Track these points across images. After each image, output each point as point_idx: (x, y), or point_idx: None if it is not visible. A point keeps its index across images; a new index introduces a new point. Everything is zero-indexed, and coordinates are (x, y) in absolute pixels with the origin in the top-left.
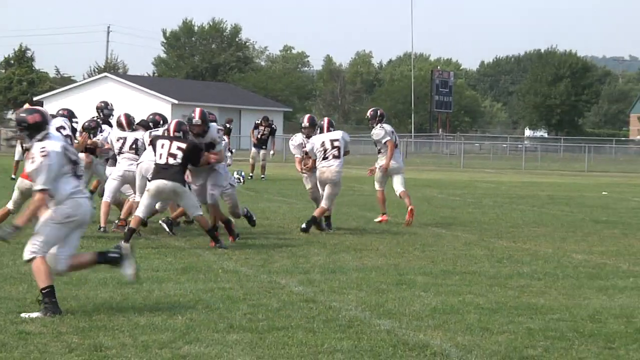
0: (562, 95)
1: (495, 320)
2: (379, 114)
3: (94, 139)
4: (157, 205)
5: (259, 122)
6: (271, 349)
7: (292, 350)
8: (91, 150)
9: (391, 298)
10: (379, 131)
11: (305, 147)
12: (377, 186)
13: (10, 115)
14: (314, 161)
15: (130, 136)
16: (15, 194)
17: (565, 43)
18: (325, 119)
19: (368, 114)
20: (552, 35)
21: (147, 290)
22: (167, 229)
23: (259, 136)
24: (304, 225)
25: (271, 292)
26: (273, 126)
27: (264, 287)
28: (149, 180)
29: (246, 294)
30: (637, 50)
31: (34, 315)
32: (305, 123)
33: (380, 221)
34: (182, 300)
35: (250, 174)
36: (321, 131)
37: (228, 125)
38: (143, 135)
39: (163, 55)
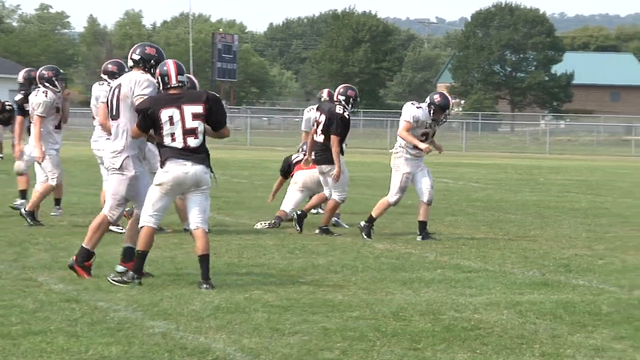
0: (361, 62)
1: (286, 320)
2: None
3: None
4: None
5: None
6: (27, 357)
7: (52, 358)
8: None
9: (167, 296)
10: None
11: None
12: None
13: None
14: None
15: None
16: None
17: (364, 3)
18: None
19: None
20: None
21: None
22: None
23: None
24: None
25: (26, 291)
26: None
27: (18, 286)
28: None
29: None
30: (444, 12)
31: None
32: (326, 97)
33: None
34: None
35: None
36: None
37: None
38: None
39: None
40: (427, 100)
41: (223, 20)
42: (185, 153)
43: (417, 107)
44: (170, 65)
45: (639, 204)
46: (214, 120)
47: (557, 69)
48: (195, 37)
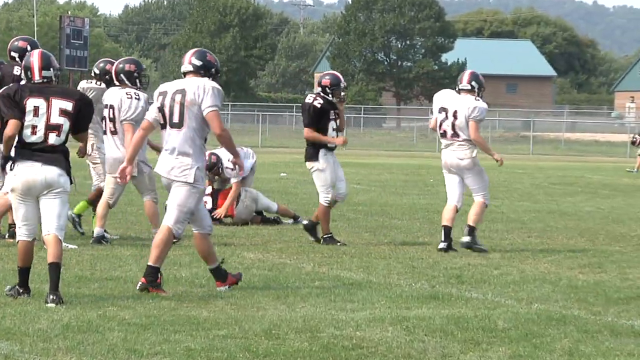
0: (228, 49)
1: (145, 340)
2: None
3: None
4: None
5: None
6: None
7: None
8: None
9: (10, 313)
10: None
11: None
12: None
13: None
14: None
15: None
16: None
17: None
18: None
19: None
20: None
21: None
22: None
23: None
24: None
25: None
26: None
27: None
28: None
29: None
30: None
31: None
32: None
33: None
34: None
35: None
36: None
37: None
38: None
39: None
40: (466, 86)
41: (72, 1)
42: (38, 152)
43: (481, 99)
44: (35, 57)
45: (538, 207)
46: (78, 122)
47: (448, 57)
48: (41, 20)
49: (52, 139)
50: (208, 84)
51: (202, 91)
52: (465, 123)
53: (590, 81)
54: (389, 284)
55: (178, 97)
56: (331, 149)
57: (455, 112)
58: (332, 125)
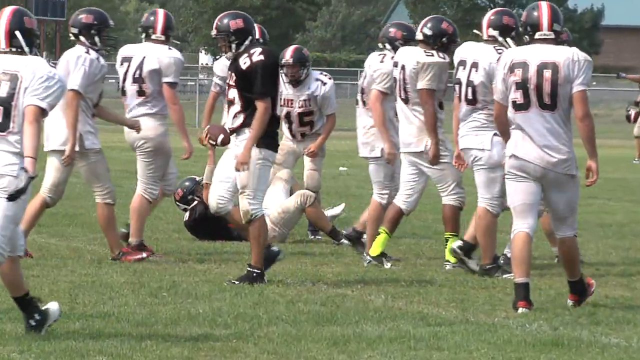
0: None
1: None
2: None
3: None
4: None
5: None
6: None
7: None
8: None
9: None
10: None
11: None
12: None
13: None
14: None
15: None
16: None
17: None
18: None
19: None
20: None
21: None
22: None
23: None
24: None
25: None
26: None
27: None
28: None
29: None
30: None
31: None
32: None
33: None
34: None
35: None
36: None
37: None
38: None
39: None
40: None
41: None
42: None
43: None
44: None
45: None
46: None
47: (577, 3)
48: None
49: None
50: (581, 55)
51: (576, 65)
52: None
53: None
54: (493, 324)
55: (547, 74)
56: None
57: None
58: None
